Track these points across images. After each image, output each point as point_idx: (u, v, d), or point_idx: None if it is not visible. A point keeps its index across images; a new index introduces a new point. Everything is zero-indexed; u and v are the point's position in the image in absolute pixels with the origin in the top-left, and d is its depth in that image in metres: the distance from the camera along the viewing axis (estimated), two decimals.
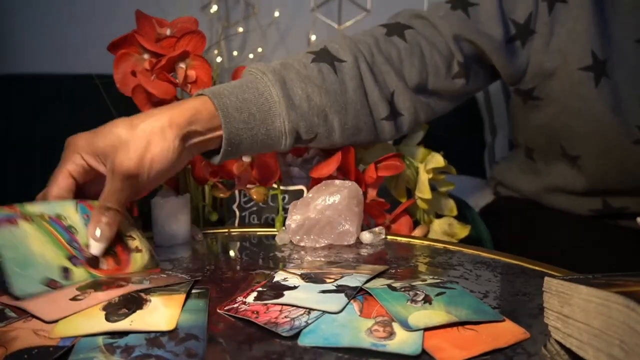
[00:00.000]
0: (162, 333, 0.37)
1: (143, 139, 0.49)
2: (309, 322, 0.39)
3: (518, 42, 0.68)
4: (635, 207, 0.80)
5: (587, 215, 0.85)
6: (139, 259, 0.50)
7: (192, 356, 0.34)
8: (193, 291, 0.45)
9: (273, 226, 0.67)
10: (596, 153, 0.75)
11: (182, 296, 0.43)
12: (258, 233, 0.66)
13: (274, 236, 0.63)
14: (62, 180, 0.50)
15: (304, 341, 0.36)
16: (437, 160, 0.70)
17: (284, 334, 0.37)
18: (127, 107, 0.72)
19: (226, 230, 0.67)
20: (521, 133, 0.91)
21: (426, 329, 0.37)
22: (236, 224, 0.71)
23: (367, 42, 0.64)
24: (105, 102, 0.84)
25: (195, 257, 0.56)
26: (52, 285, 0.43)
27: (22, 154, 1.21)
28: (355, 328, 0.38)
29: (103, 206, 0.48)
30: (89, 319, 0.39)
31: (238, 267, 0.54)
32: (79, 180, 0.50)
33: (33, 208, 0.47)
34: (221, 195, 0.68)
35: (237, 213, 0.71)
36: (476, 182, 1.18)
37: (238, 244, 0.63)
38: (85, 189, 0.52)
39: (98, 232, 0.46)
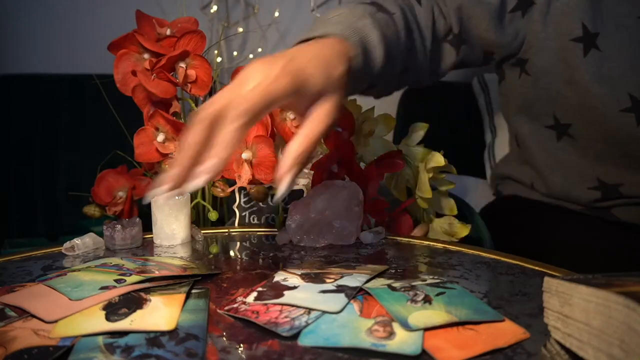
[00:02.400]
0: (162, 333, 0.37)
1: (343, 92, 0.49)
2: (309, 322, 0.39)
3: (518, 12, 0.73)
4: (630, 183, 0.81)
5: (586, 202, 0.85)
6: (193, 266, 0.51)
7: (192, 356, 0.34)
8: (193, 291, 0.45)
9: (273, 226, 0.67)
10: (587, 121, 0.77)
11: (182, 296, 0.43)
12: (258, 233, 0.66)
13: (274, 236, 0.63)
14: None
15: (304, 341, 0.36)
16: (438, 159, 0.70)
17: (284, 334, 0.37)
18: (127, 107, 0.72)
19: (226, 230, 0.67)
20: (511, 111, 0.91)
21: (426, 329, 0.37)
22: (236, 224, 0.71)
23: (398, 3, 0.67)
24: (105, 102, 0.84)
25: (195, 257, 0.56)
26: (107, 288, 0.44)
27: (22, 154, 1.21)
28: (355, 328, 0.38)
29: (301, 152, 0.44)
30: (89, 319, 0.39)
31: (238, 267, 0.54)
32: None
33: (79, 266, 0.50)
34: (221, 194, 0.68)
35: (237, 213, 0.71)
36: (476, 182, 1.18)
37: (238, 244, 0.63)
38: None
39: (287, 182, 0.44)
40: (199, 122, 0.41)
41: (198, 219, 0.74)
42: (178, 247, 0.60)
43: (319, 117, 0.46)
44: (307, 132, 0.45)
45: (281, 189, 0.44)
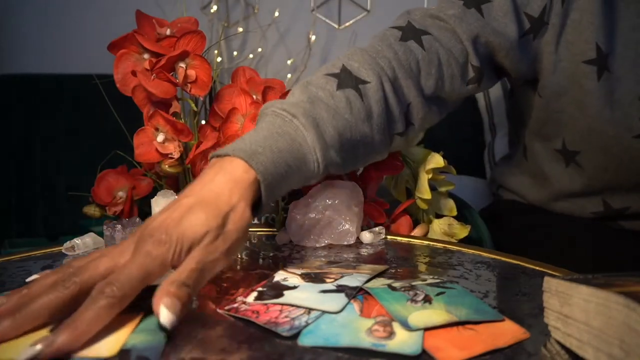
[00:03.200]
0: (112, 358, 0.34)
1: (232, 225, 0.43)
2: (309, 322, 0.39)
3: (530, 35, 0.67)
4: (636, 207, 0.80)
5: (589, 217, 0.85)
6: None
7: None
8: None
9: (273, 226, 0.67)
10: (596, 148, 0.74)
11: (137, 317, 0.39)
12: (258, 233, 0.66)
13: (274, 236, 0.63)
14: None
15: (304, 341, 0.36)
16: (437, 160, 0.70)
17: (284, 334, 0.37)
18: (127, 107, 0.72)
19: None
20: (522, 127, 0.90)
21: (426, 329, 0.37)
22: None
23: (386, 56, 0.61)
24: (105, 102, 0.84)
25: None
26: None
27: (22, 154, 1.21)
28: (355, 328, 0.38)
29: (175, 280, 0.38)
30: (25, 343, 0.34)
31: (238, 267, 0.54)
32: None
33: None
34: None
35: None
36: (476, 183, 1.19)
37: None
38: None
39: (167, 303, 0.36)
40: (66, 285, 0.37)
41: None
42: None
43: (198, 249, 0.41)
44: (182, 265, 0.40)
45: (162, 311, 0.36)
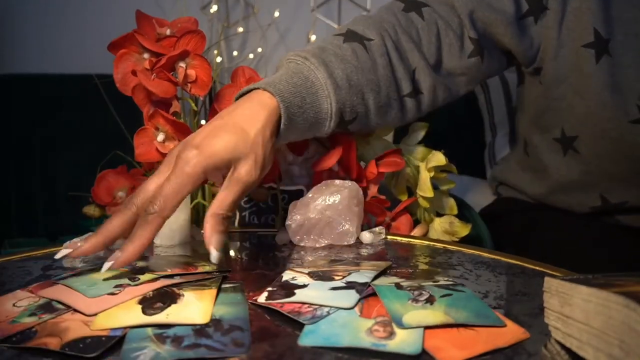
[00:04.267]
0: (207, 325, 0.38)
1: (259, 146, 0.51)
2: (331, 312, 0.40)
3: (531, 18, 0.69)
4: (633, 202, 0.80)
5: (587, 212, 0.84)
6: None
7: (239, 345, 0.36)
8: (226, 285, 0.46)
9: (273, 226, 0.67)
10: (593, 133, 0.75)
11: (214, 291, 0.44)
12: (258, 233, 0.66)
13: (274, 236, 0.63)
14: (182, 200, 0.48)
15: (304, 341, 0.36)
16: (438, 158, 0.70)
17: (305, 323, 0.38)
18: (127, 107, 0.72)
19: None
20: (522, 121, 0.90)
21: (426, 328, 0.37)
22: (236, 224, 0.71)
23: (389, 20, 0.66)
24: (105, 102, 0.84)
25: (196, 257, 0.56)
26: (120, 287, 0.44)
27: (22, 154, 1.22)
28: (355, 328, 0.38)
29: (220, 214, 0.48)
30: (127, 312, 0.40)
31: (238, 267, 0.54)
32: None
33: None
34: None
35: (237, 213, 0.71)
36: (476, 182, 1.18)
37: (238, 244, 0.63)
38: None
39: (213, 242, 0.46)
40: (128, 207, 0.47)
41: (198, 219, 0.74)
42: (178, 247, 0.60)
43: (234, 180, 0.49)
44: (222, 197, 0.48)
45: (213, 252, 0.46)
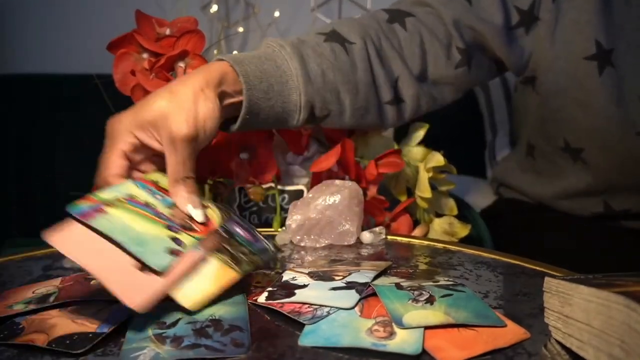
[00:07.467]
0: (208, 325, 0.39)
1: (189, 101, 0.49)
2: (331, 312, 0.40)
3: (522, 29, 0.68)
4: (636, 209, 0.79)
5: (588, 216, 0.84)
6: (212, 213, 0.49)
7: (239, 346, 0.36)
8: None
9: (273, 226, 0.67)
10: (600, 146, 0.74)
11: (235, 276, 0.44)
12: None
13: (274, 236, 0.63)
14: (117, 161, 0.49)
15: (304, 341, 0.36)
16: (437, 159, 0.70)
17: (305, 323, 0.38)
18: (127, 107, 0.71)
19: None
20: (524, 127, 0.90)
21: (426, 328, 0.37)
22: None
23: (373, 26, 0.65)
24: (105, 102, 0.84)
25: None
26: (175, 253, 0.42)
27: (22, 154, 1.21)
28: (355, 328, 0.38)
29: (177, 179, 0.48)
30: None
31: None
32: (132, 160, 0.51)
33: (106, 195, 0.45)
34: (221, 194, 0.67)
35: (237, 213, 0.71)
36: (477, 183, 1.18)
37: None
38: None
39: (189, 205, 0.47)
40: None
41: None
42: None
43: (167, 139, 0.48)
44: (169, 163, 0.49)
45: (195, 212, 0.47)
